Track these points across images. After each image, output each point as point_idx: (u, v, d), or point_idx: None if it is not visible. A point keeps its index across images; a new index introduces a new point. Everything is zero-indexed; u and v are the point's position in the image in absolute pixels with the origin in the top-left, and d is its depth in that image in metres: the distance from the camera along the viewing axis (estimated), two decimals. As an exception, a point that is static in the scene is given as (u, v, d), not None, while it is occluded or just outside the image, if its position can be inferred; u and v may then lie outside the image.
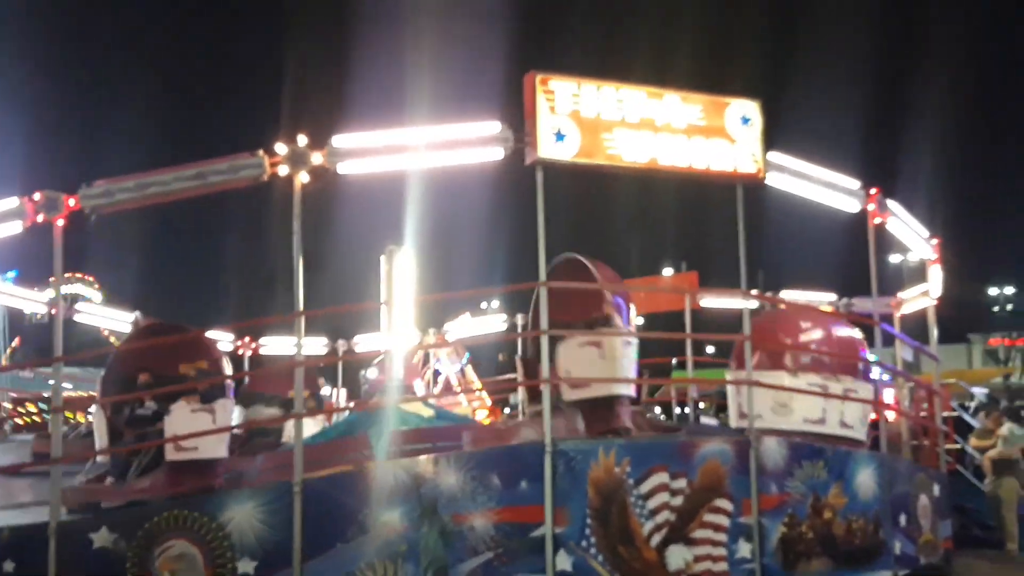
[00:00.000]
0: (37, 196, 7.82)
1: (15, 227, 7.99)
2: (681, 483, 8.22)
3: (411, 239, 12.00)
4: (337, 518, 7.58)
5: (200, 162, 7.81)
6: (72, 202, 7.81)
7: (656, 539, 8.10)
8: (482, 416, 16.39)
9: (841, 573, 8.97)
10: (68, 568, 7.38)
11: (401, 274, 12.69)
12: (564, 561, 7.83)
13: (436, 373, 18.26)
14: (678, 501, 8.19)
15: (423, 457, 7.92)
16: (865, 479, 9.35)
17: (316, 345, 17.03)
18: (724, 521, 8.34)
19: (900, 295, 13.38)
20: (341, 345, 17.04)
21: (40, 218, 7.81)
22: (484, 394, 17.41)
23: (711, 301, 14.76)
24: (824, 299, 15.99)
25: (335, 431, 10.20)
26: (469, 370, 18.34)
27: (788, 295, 15.69)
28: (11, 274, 14.15)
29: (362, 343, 16.91)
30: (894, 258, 28.57)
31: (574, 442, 8.21)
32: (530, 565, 7.75)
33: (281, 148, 7.85)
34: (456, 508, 7.75)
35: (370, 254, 12.82)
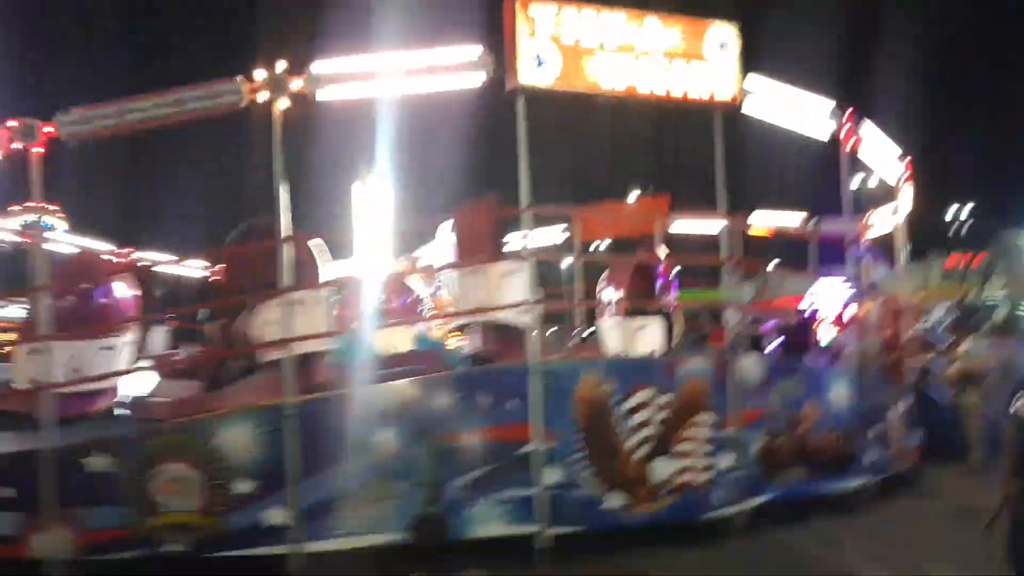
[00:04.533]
0: (13, 123, 7.69)
1: None
2: (665, 399, 8.48)
3: (387, 167, 11.99)
4: (332, 439, 7.71)
5: (178, 88, 7.72)
6: (49, 129, 7.70)
7: (642, 452, 8.37)
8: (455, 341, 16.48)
9: (817, 481, 9.38)
10: (65, 493, 7.41)
11: (375, 200, 12.71)
12: (555, 475, 8.06)
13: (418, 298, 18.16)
14: (662, 416, 8.44)
15: (413, 379, 8.05)
16: (838, 393, 9.71)
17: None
18: (706, 434, 8.63)
19: (869, 217, 13.61)
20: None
21: (17, 145, 7.68)
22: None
23: (683, 224, 14.91)
24: (794, 219, 16.27)
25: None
26: (443, 294, 18.27)
27: (759, 216, 15.92)
28: None
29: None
30: (854, 183, 28.73)
31: (559, 362, 8.39)
32: (521, 480, 7.98)
33: (260, 74, 7.78)
34: (447, 428, 7.91)
35: (346, 181, 12.82)
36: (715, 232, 14.23)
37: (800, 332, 11.94)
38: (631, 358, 9.50)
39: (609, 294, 11.19)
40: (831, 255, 14.52)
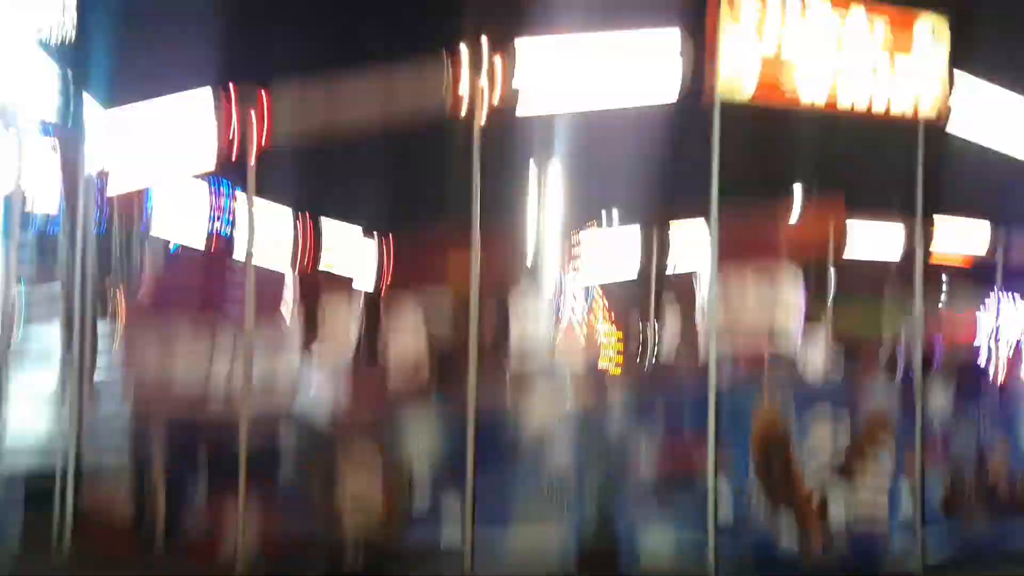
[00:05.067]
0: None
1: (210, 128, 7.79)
2: (844, 427, 8.13)
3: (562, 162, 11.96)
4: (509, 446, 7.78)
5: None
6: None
7: (818, 491, 8.06)
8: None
9: (1007, 527, 8.85)
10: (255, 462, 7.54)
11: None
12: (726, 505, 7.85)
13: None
14: (841, 445, 8.11)
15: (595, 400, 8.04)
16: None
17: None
18: (888, 465, 8.23)
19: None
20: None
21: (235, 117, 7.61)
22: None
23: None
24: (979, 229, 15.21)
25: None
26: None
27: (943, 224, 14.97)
28: None
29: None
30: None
31: (739, 388, 8.17)
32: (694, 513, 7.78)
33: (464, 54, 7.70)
34: (622, 449, 7.86)
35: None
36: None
37: (970, 370, 11.22)
38: (812, 384, 9.18)
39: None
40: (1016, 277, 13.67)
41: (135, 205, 11.91)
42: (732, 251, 8.79)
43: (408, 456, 7.72)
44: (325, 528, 7.61)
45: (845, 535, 8.07)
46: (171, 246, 12.88)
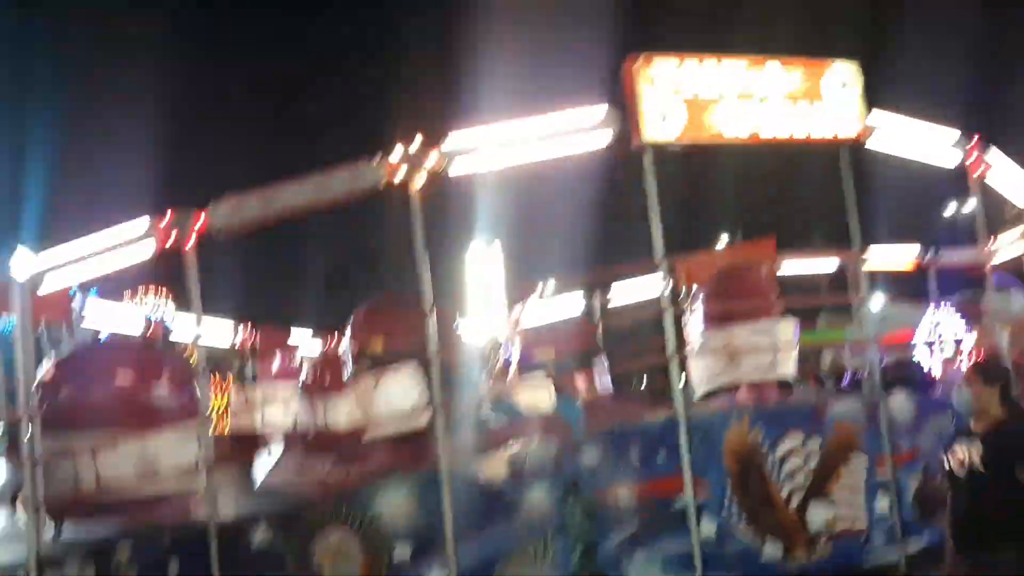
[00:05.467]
0: (167, 217, 7.79)
1: (146, 251, 7.93)
2: (815, 443, 8.34)
3: (500, 230, 12.19)
4: (485, 501, 7.78)
5: (319, 173, 7.97)
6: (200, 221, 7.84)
7: (796, 499, 8.24)
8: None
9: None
10: (228, 567, 7.43)
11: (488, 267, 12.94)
12: (708, 528, 7.99)
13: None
14: (813, 462, 8.30)
15: (559, 438, 8.11)
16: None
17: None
18: (860, 478, 8.43)
19: (993, 243, 13.26)
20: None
21: (171, 240, 7.78)
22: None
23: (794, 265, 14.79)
24: (909, 252, 15.85)
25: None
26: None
27: (875, 250, 15.57)
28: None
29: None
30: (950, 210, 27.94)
31: (706, 414, 8.35)
32: (676, 535, 7.91)
33: (397, 152, 7.98)
34: (597, 484, 7.91)
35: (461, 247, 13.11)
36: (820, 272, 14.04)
37: (903, 368, 11.61)
38: (778, 404, 9.38)
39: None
40: (950, 286, 14.23)
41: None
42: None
43: (385, 531, 7.62)
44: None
45: (827, 542, 8.21)
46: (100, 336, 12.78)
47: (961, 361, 11.87)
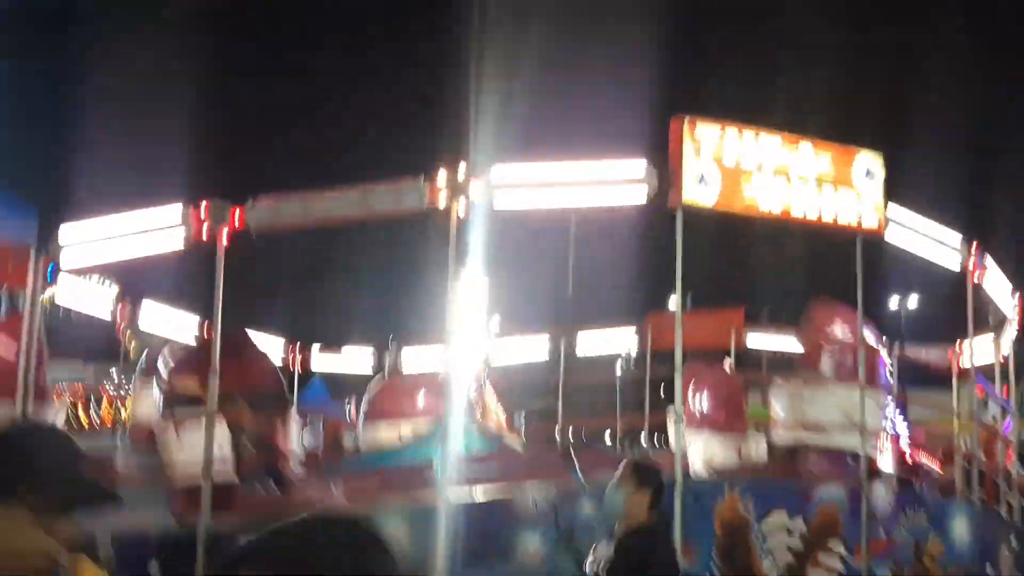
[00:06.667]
0: (205, 204, 7.65)
1: (175, 240, 7.79)
2: (799, 524, 8.48)
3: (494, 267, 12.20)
4: (479, 542, 7.72)
5: (364, 185, 7.91)
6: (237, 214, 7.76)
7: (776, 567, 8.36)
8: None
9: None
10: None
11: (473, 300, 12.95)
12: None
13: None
14: (795, 542, 8.44)
15: (557, 483, 8.11)
16: (959, 528, 9.67)
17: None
18: (837, 564, 8.60)
19: (966, 344, 13.66)
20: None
21: (205, 231, 7.73)
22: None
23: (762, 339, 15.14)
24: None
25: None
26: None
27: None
28: None
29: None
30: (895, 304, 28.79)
31: (702, 480, 8.45)
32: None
33: (442, 177, 7.97)
34: (591, 536, 7.91)
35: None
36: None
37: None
38: (772, 480, 9.52)
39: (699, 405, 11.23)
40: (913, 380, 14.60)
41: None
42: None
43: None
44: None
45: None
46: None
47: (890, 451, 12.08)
